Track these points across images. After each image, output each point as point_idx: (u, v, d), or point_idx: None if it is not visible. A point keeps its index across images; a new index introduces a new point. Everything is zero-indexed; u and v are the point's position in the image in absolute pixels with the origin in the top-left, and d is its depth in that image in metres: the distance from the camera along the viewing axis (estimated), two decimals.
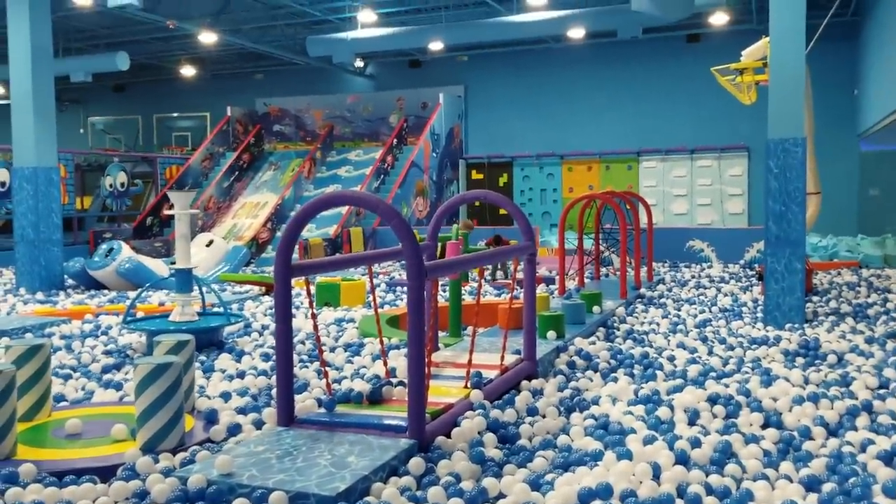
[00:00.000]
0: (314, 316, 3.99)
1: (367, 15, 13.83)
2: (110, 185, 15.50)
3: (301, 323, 6.73)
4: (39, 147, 9.95)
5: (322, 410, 3.87)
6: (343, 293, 8.14)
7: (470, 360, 4.39)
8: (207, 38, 14.17)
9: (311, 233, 15.18)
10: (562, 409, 4.25)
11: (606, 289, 8.14)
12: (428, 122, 16.81)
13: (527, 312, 4.87)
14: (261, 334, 6.35)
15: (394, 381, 4.31)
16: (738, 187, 16.37)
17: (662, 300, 8.24)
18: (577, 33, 14.44)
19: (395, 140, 16.95)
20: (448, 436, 3.62)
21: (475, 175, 18.24)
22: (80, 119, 22.26)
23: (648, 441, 3.51)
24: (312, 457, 3.23)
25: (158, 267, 10.18)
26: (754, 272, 10.57)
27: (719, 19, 14.96)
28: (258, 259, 14.14)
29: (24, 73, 9.85)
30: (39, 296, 9.43)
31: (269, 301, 8.58)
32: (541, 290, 8.87)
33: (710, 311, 7.48)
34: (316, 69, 19.36)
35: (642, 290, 8.63)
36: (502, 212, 18.05)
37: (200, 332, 5.69)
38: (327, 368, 4.92)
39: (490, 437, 3.61)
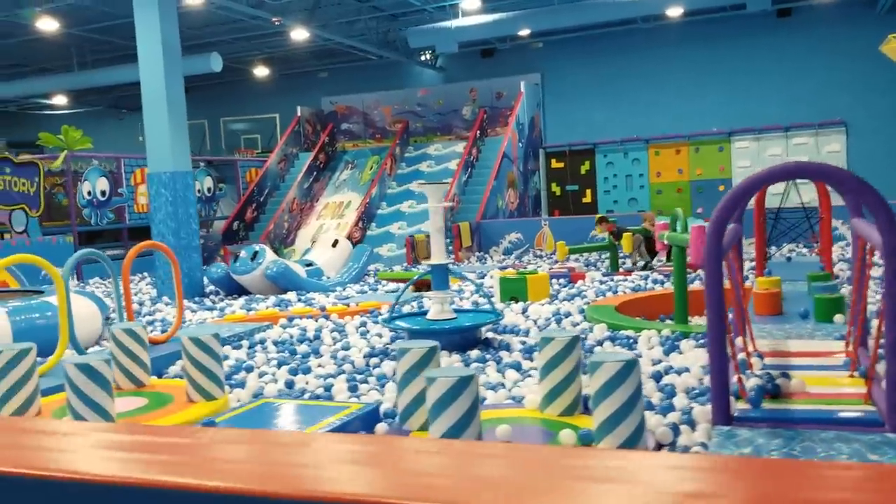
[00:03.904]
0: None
1: (470, 2, 13.41)
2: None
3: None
4: (175, 150, 9.57)
5: (746, 407, 3.49)
6: (529, 287, 7.75)
7: (856, 346, 4.02)
8: (299, 34, 13.77)
9: (402, 231, 14.82)
10: None
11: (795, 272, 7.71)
12: (513, 111, 16.40)
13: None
14: (516, 332, 5.94)
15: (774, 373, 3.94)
16: (836, 164, 15.96)
17: None
18: (676, 11, 14.04)
19: (477, 132, 16.55)
20: None
21: (555, 164, 17.84)
22: (139, 127, 21.83)
23: None
24: (828, 458, 2.85)
25: (299, 270, 9.83)
26: None
27: None
28: None
29: (155, 72, 9.46)
30: (186, 303, 9.07)
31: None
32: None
33: None
34: (382, 65, 18.99)
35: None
36: (585, 200, 17.68)
37: (464, 331, 5.32)
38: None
39: None
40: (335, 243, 11.08)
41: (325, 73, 19.95)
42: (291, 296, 9.00)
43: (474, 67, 18.52)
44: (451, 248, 13.38)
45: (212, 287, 10.19)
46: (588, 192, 17.64)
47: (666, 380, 4.37)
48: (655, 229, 8.77)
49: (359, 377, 4.71)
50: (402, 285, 9.24)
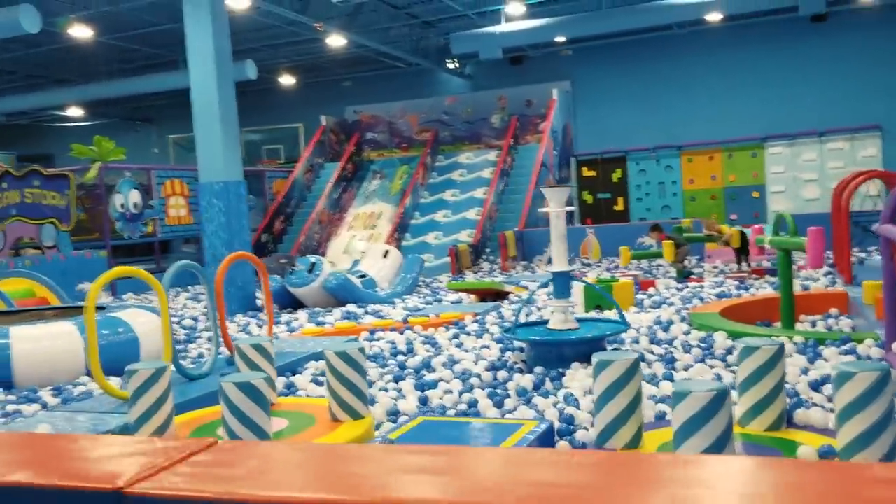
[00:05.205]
0: None
1: (515, 7, 13.18)
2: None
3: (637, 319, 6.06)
4: (227, 159, 9.27)
5: None
6: (615, 295, 7.46)
7: None
8: (336, 40, 13.51)
9: (439, 240, 14.54)
10: None
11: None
12: (548, 118, 16.16)
13: None
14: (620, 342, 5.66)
15: None
16: (873, 168, 15.77)
17: None
18: (715, 17, 13.86)
19: (511, 140, 16.30)
20: None
21: (587, 172, 17.61)
22: (153, 138, 21.55)
23: None
24: None
25: (356, 282, 9.52)
26: None
27: None
28: None
29: (208, 78, 9.16)
30: (240, 318, 8.75)
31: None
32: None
33: None
34: (408, 73, 18.75)
35: None
36: (617, 207, 17.45)
37: (592, 342, 5.02)
38: None
39: None
40: (386, 254, 10.78)
41: (348, 82, 19.69)
42: (353, 308, 8.68)
43: (503, 75, 18.29)
44: (497, 258, 13.12)
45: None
46: (620, 199, 17.41)
47: (830, 389, 4.07)
48: (752, 233, 8.56)
49: (499, 391, 4.41)
50: (471, 296, 8.96)
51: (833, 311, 6.66)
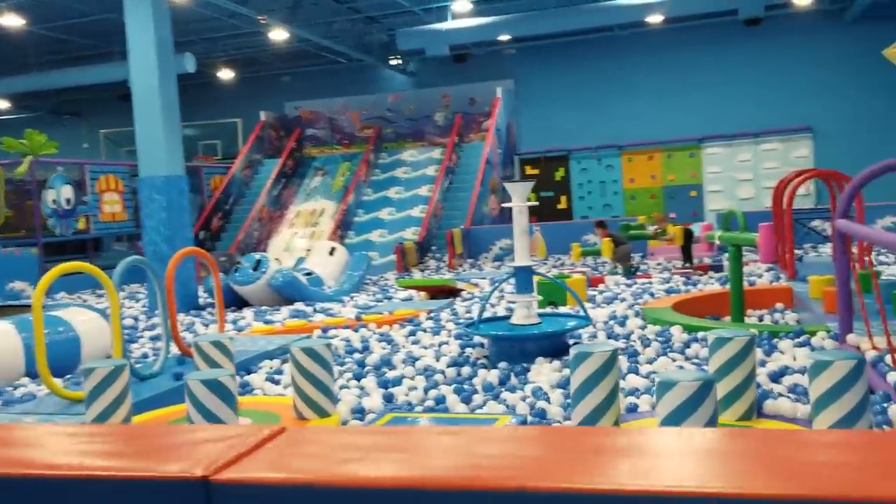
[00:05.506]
0: None
1: (461, 4, 13.14)
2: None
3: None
4: (170, 153, 8.97)
5: None
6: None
7: None
8: (278, 34, 13.25)
9: (384, 238, 14.42)
10: None
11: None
12: (492, 116, 16.19)
13: None
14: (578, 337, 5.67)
15: None
16: (804, 168, 16.31)
17: None
18: (656, 18, 14.11)
19: (456, 138, 16.27)
20: None
21: (530, 170, 17.71)
22: (82, 133, 20.79)
23: None
24: None
25: (303, 279, 9.34)
26: None
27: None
28: None
29: (149, 70, 8.85)
30: (182, 317, 8.48)
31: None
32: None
33: None
34: (349, 69, 18.55)
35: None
36: (560, 206, 17.61)
37: (555, 336, 5.02)
38: None
39: None
40: (332, 251, 10.62)
41: (288, 77, 19.36)
42: (302, 306, 8.51)
43: (446, 73, 18.25)
44: (444, 255, 13.07)
45: (209, 299, 9.59)
46: (563, 198, 17.58)
47: (790, 380, 4.15)
48: (701, 230, 8.72)
49: (465, 387, 4.35)
50: (421, 293, 8.89)
51: (779, 305, 6.82)
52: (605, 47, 17.42)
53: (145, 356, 6.30)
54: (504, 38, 15.12)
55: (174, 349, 5.56)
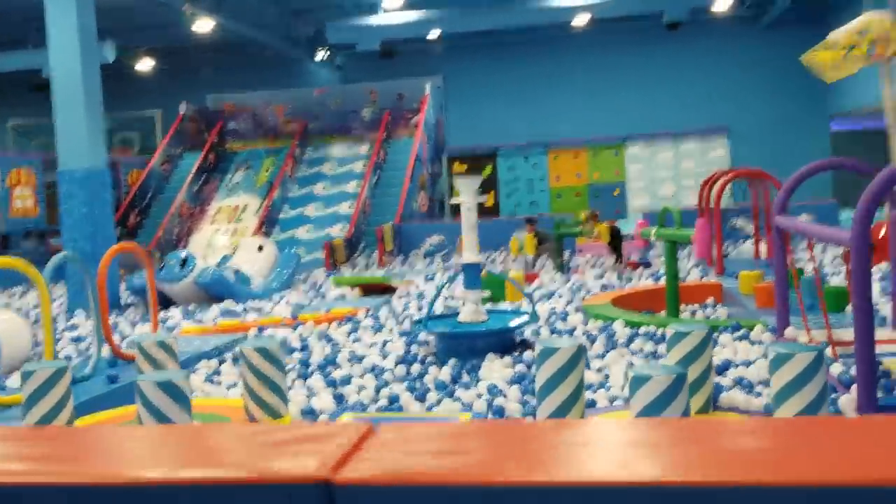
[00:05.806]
0: None
1: (391, 1, 13.02)
2: None
3: None
4: (92, 145, 8.57)
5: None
6: (508, 287, 7.51)
7: None
8: (204, 25, 12.85)
9: (311, 235, 14.19)
10: None
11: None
12: (421, 112, 16.11)
13: None
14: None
15: None
16: (721, 168, 16.88)
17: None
18: (582, 20, 14.34)
19: (384, 134, 16.13)
20: None
21: (458, 167, 17.75)
22: None
23: None
24: None
25: (231, 277, 9.08)
26: None
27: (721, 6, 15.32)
28: None
29: (71, 58, 8.41)
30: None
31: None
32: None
33: None
34: (274, 62, 18.16)
35: None
36: (487, 203, 17.71)
37: (504, 333, 5.02)
38: None
39: None
40: (261, 248, 10.37)
41: (210, 69, 18.81)
42: (232, 305, 8.27)
43: (373, 68, 18.08)
44: (373, 252, 12.94)
45: (130, 298, 9.20)
46: (490, 195, 17.68)
47: (735, 373, 4.26)
48: (637, 226, 8.84)
49: (417, 385, 4.30)
50: (354, 291, 8.77)
51: (710, 300, 7.01)
52: (533, 46, 17.61)
53: (68, 358, 6.00)
54: (434, 33, 15.05)
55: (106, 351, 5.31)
